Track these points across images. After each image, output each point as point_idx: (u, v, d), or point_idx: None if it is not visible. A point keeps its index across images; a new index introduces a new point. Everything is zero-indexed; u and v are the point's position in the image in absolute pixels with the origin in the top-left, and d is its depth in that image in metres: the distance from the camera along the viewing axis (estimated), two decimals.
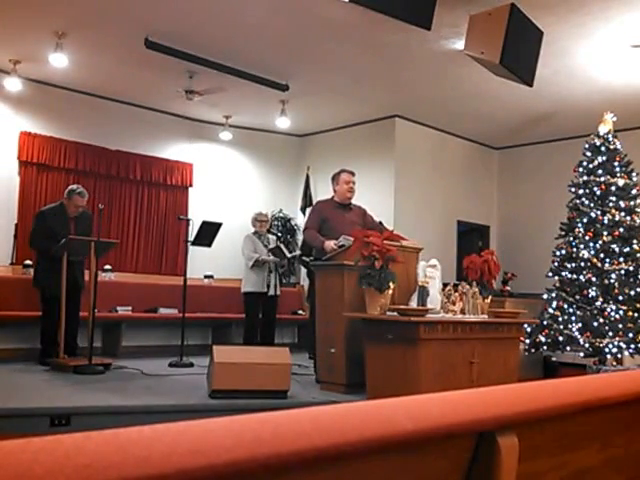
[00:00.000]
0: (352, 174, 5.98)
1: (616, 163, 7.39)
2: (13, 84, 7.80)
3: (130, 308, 7.60)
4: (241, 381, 4.51)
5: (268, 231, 7.97)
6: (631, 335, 6.82)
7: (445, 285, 5.31)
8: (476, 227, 10.71)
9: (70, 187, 6.46)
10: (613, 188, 7.29)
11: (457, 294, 5.18)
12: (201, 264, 8.83)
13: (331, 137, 10.26)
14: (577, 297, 7.23)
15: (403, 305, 4.98)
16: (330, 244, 5.40)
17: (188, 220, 7.15)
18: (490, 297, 5.50)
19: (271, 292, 7.18)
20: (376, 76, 7.84)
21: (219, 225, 6.98)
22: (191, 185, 9.85)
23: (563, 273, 7.43)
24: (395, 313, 4.69)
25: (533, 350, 7.47)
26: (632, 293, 6.98)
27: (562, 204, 7.88)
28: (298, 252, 8.29)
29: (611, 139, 7.49)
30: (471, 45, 5.59)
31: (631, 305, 6.98)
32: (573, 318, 7.15)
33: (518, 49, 5.53)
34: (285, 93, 8.38)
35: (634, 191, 7.36)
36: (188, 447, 0.66)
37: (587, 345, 6.98)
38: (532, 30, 5.71)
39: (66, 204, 6.33)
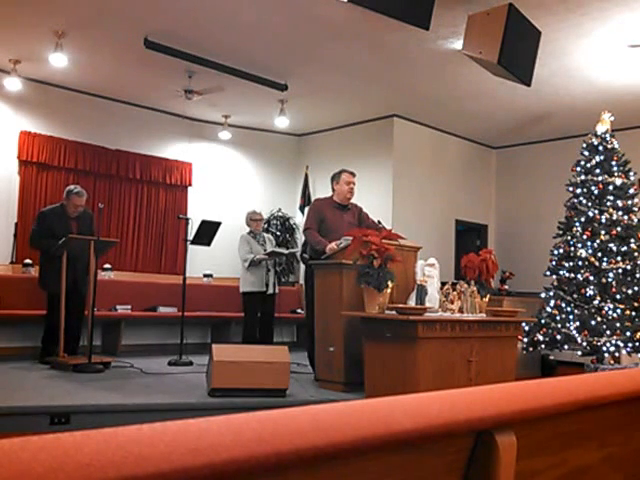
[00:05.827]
0: (353, 175, 5.98)
1: (614, 162, 7.39)
2: (13, 84, 7.79)
3: (129, 307, 7.60)
4: (240, 379, 4.52)
5: (266, 230, 7.96)
6: (628, 334, 6.83)
7: (443, 284, 5.32)
8: (474, 226, 10.71)
9: (68, 187, 6.49)
10: (611, 187, 7.30)
11: (455, 293, 5.18)
12: (200, 263, 8.84)
13: (330, 136, 10.26)
14: (575, 296, 7.23)
15: (402, 304, 4.98)
16: (332, 246, 5.40)
17: (187, 219, 7.16)
18: (488, 296, 5.50)
19: (270, 290, 7.17)
20: (374, 76, 7.84)
21: (218, 224, 6.98)
22: (190, 184, 9.85)
23: (561, 272, 7.43)
24: (394, 312, 4.70)
25: (531, 349, 7.48)
26: (629, 292, 6.99)
27: (560, 203, 7.89)
28: (297, 250, 8.28)
29: (609, 138, 7.49)
30: (469, 45, 5.59)
31: (628, 304, 6.99)
32: (571, 317, 7.16)
33: (516, 49, 5.53)
34: (284, 93, 8.37)
35: (631, 190, 7.36)
36: (187, 445, 0.66)
37: (585, 344, 6.98)
38: (530, 30, 5.71)
39: (65, 204, 6.35)
